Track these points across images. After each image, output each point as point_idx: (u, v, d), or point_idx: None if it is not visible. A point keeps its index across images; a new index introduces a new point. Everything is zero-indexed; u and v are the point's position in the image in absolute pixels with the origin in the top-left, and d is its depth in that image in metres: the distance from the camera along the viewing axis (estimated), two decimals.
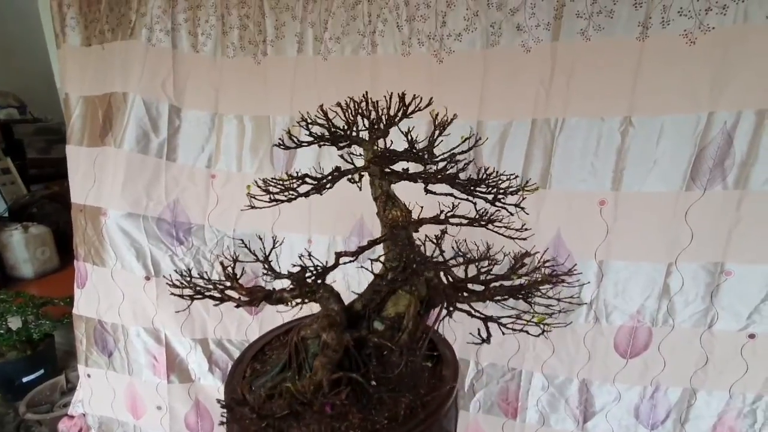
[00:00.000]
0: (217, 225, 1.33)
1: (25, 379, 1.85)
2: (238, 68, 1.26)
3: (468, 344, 1.27)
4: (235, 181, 1.31)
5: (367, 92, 0.62)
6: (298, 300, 0.61)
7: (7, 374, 1.83)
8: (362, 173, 0.67)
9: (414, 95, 0.61)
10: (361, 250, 0.67)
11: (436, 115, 0.59)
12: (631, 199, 1.06)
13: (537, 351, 1.21)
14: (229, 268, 0.57)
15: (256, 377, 0.59)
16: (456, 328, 1.02)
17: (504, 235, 0.65)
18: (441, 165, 0.67)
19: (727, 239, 1.03)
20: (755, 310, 1.05)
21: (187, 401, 1.45)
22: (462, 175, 0.65)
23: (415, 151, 0.62)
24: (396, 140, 0.69)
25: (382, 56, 1.15)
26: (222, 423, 0.42)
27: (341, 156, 0.74)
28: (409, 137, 0.65)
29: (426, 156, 0.61)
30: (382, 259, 0.67)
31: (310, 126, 0.63)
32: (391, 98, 0.63)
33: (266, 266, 0.61)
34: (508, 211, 0.66)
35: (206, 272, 0.57)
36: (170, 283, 0.52)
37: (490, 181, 0.64)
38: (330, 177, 0.62)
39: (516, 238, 0.65)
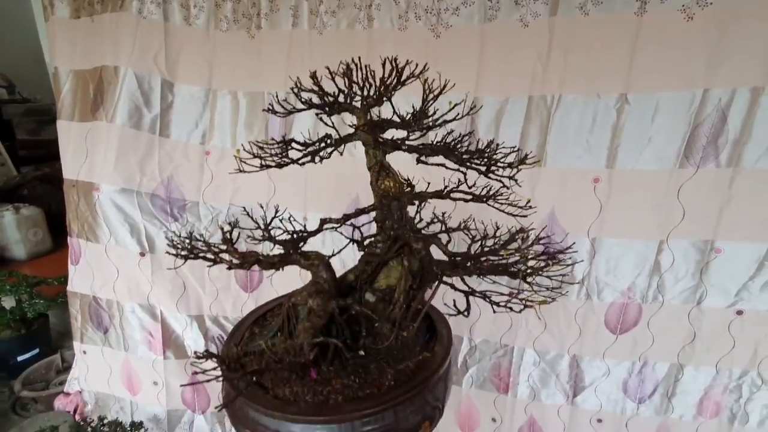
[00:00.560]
0: (212, 202, 1.32)
1: (19, 358, 1.85)
2: (232, 42, 1.24)
3: (462, 322, 1.29)
4: (230, 158, 1.29)
5: (360, 57, 0.61)
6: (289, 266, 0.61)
7: (1, 353, 1.83)
8: (354, 141, 0.66)
9: (408, 60, 0.60)
10: (347, 217, 0.67)
11: (425, 80, 0.59)
12: (624, 177, 1.06)
13: (529, 327, 1.22)
14: (228, 234, 0.58)
15: (252, 340, 0.60)
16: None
17: (505, 212, 0.64)
18: (435, 135, 0.67)
19: (718, 217, 1.04)
20: (743, 287, 1.07)
21: (184, 377, 1.46)
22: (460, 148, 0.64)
23: (404, 117, 0.62)
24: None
25: (379, 30, 1.14)
26: (195, 373, 0.43)
27: (333, 127, 0.73)
28: (397, 109, 0.64)
29: (414, 122, 0.61)
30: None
31: (301, 92, 0.62)
32: (385, 65, 0.62)
33: (266, 233, 0.61)
34: (504, 184, 0.66)
35: (202, 235, 0.57)
36: (170, 243, 0.53)
37: (488, 152, 0.64)
38: (319, 144, 0.62)
39: (517, 215, 0.64)
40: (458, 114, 0.60)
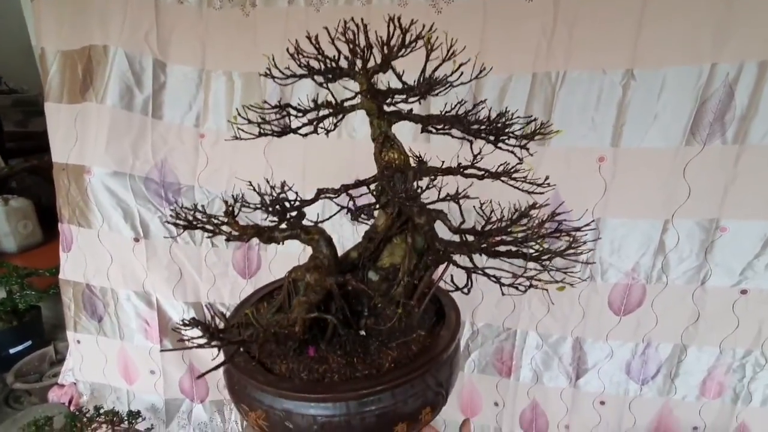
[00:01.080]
0: (208, 186, 1.29)
1: (12, 351, 1.82)
2: (226, 20, 1.20)
3: (464, 306, 1.27)
4: (226, 142, 1.26)
5: (362, 18, 0.58)
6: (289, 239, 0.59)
7: None
8: (357, 109, 0.63)
9: (412, 20, 0.57)
10: (345, 188, 0.65)
11: (428, 39, 0.56)
12: (630, 155, 1.05)
13: (532, 310, 1.21)
14: (230, 207, 0.55)
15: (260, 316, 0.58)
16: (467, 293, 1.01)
17: (521, 189, 0.61)
18: (445, 105, 0.64)
19: (723, 195, 1.03)
20: (748, 265, 1.06)
21: (181, 365, 1.43)
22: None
23: (407, 83, 0.59)
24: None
25: (378, 6, 1.10)
26: (180, 340, 0.41)
27: (334, 97, 0.70)
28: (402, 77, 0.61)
29: (418, 87, 0.58)
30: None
31: (299, 56, 0.58)
32: (389, 25, 0.59)
33: (273, 208, 0.58)
34: (515, 155, 0.63)
35: (202, 206, 0.55)
36: (172, 214, 0.50)
37: (503, 121, 0.60)
38: (318, 110, 0.59)
39: (533, 192, 0.60)
40: (462, 74, 0.57)
